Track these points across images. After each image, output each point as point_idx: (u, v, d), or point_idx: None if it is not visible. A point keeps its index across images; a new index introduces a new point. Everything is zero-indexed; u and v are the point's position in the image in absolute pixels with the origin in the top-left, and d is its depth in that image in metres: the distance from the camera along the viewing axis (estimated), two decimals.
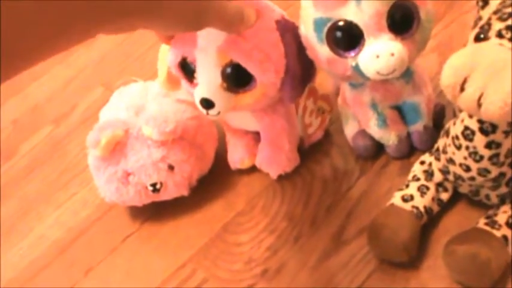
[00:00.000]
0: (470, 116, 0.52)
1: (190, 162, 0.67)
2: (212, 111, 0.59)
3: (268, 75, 0.58)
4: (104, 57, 0.99)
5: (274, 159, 0.69)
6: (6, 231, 0.76)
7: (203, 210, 0.70)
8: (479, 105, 0.45)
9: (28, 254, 0.73)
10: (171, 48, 0.60)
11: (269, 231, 0.66)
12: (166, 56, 0.62)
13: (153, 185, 0.66)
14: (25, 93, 0.98)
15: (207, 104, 0.59)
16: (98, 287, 0.67)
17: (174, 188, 0.67)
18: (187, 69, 0.60)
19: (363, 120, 0.67)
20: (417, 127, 0.66)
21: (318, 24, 0.58)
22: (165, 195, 0.68)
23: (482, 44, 0.47)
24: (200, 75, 0.59)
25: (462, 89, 0.45)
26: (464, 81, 0.45)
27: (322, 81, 0.72)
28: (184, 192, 0.68)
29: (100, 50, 1.01)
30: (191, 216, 0.69)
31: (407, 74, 0.63)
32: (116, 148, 0.66)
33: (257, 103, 0.61)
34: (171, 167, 0.66)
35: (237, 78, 0.59)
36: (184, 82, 0.62)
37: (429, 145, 0.63)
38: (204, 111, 0.60)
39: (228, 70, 0.58)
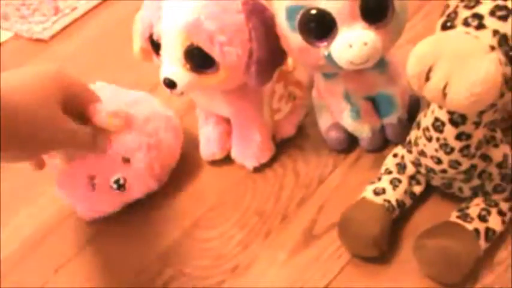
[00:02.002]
0: (440, 107, 0.50)
1: (143, 151, 0.65)
2: (175, 91, 0.59)
3: (229, 59, 0.57)
4: (80, 53, 0.98)
5: (248, 151, 0.68)
6: None
7: (173, 206, 0.68)
8: (444, 95, 0.44)
9: (2, 250, 0.71)
10: (140, 23, 0.60)
11: (239, 226, 0.64)
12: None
13: (116, 181, 0.64)
14: None
15: (170, 83, 0.59)
16: (67, 284, 0.65)
17: (138, 182, 0.65)
18: (154, 44, 0.60)
19: (336, 112, 0.66)
20: (391, 119, 0.65)
21: (291, 12, 0.57)
22: (134, 192, 0.66)
23: (448, 32, 0.46)
24: (164, 54, 0.59)
25: (427, 79, 0.44)
26: (430, 71, 0.44)
27: (298, 66, 0.71)
28: (152, 185, 0.66)
29: (76, 44, 1.00)
30: (161, 212, 0.68)
31: (381, 65, 0.62)
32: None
33: (222, 85, 0.61)
34: (125, 160, 0.64)
35: (199, 60, 0.58)
36: (154, 55, 0.62)
37: (403, 138, 0.62)
38: (167, 90, 0.60)
39: (191, 52, 0.57)
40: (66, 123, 0.58)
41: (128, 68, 0.87)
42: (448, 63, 0.43)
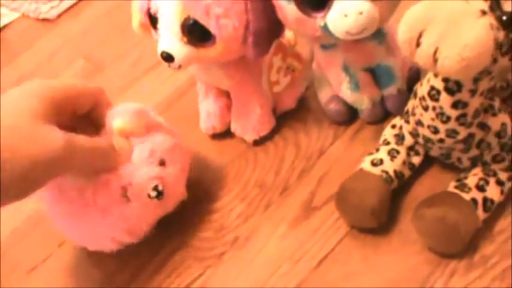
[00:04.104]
0: (436, 75, 0.50)
1: (177, 151, 0.62)
2: (173, 65, 0.59)
3: (226, 31, 0.57)
4: (86, 31, 0.99)
5: (248, 124, 0.68)
6: None
7: None
8: (435, 60, 0.43)
9: (6, 226, 0.72)
10: None
11: (240, 198, 0.65)
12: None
13: (155, 188, 0.58)
14: (12, 66, 0.98)
15: (167, 57, 0.59)
16: (72, 258, 0.66)
17: (175, 185, 0.60)
18: (152, 18, 0.60)
19: (335, 84, 0.65)
20: (391, 90, 0.64)
21: None
22: (169, 200, 0.60)
23: None
24: (161, 27, 0.59)
25: (418, 45, 0.44)
26: (420, 36, 0.43)
27: (299, 39, 0.71)
28: (183, 192, 0.63)
29: (82, 23, 1.01)
30: None
31: (379, 35, 0.61)
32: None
33: (219, 58, 0.60)
34: (161, 162, 0.59)
35: (196, 33, 0.58)
36: (152, 30, 0.62)
37: (403, 109, 0.61)
38: (165, 63, 0.60)
39: (187, 25, 0.57)
40: (73, 140, 0.52)
41: (132, 45, 0.88)
42: (438, 28, 0.42)
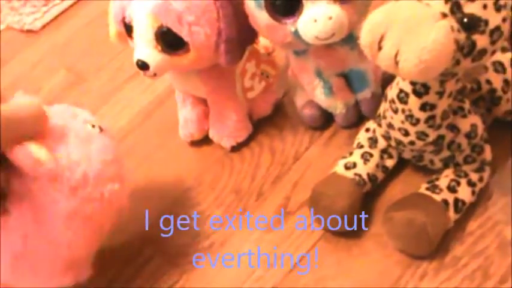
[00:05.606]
0: (404, 78, 0.50)
1: None
2: (148, 73, 0.60)
3: (198, 39, 0.58)
4: (69, 42, 0.99)
5: (225, 131, 0.68)
6: None
7: (153, 186, 0.69)
8: (396, 63, 0.44)
9: None
10: (113, 6, 0.61)
11: (216, 205, 0.65)
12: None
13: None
14: None
15: (142, 65, 0.59)
16: None
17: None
18: (127, 27, 0.61)
19: (309, 89, 0.66)
20: (365, 94, 0.65)
21: None
22: None
23: (400, 1, 0.45)
24: (136, 36, 0.59)
25: (380, 48, 0.44)
26: (381, 40, 0.44)
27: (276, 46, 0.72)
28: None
29: (66, 34, 1.01)
30: (141, 192, 0.68)
31: (351, 40, 0.62)
32: None
33: (193, 65, 0.61)
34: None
35: (170, 41, 0.59)
36: (128, 39, 0.62)
37: None
38: (141, 72, 0.60)
39: (161, 33, 0.58)
40: None
41: (113, 56, 0.89)
42: (398, 31, 0.43)
